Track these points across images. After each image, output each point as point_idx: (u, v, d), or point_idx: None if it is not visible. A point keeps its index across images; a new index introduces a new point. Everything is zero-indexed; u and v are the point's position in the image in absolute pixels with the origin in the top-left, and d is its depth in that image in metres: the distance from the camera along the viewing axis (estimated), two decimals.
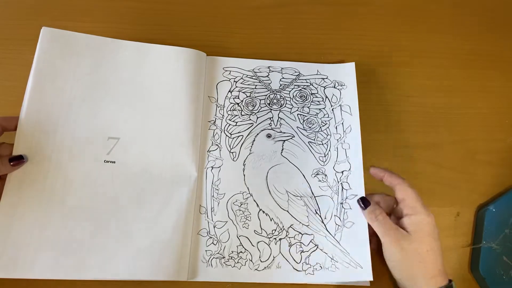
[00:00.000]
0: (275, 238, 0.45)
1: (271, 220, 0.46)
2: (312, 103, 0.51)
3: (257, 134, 0.49)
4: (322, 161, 0.48)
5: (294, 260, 0.44)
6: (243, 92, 0.51)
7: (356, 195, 0.46)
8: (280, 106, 0.51)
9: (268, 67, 0.53)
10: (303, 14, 0.58)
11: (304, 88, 0.52)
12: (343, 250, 0.45)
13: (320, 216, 0.46)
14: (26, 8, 0.55)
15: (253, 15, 0.57)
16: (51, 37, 0.45)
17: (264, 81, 0.52)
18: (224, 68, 0.52)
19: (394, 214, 0.44)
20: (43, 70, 0.44)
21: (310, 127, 0.50)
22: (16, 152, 0.41)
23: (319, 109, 0.51)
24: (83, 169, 0.43)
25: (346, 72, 0.53)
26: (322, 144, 0.49)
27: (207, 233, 0.45)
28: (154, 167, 0.45)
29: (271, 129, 0.50)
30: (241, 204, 0.46)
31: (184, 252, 0.42)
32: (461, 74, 0.56)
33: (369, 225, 0.43)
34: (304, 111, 0.51)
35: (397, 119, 0.53)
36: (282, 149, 0.49)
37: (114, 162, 0.44)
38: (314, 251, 0.45)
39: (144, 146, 0.45)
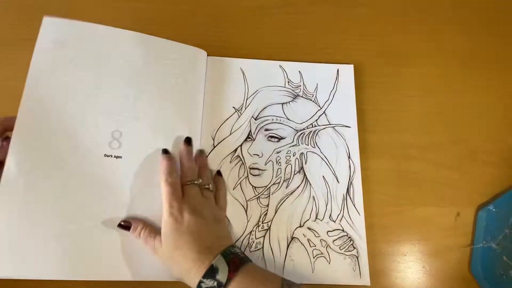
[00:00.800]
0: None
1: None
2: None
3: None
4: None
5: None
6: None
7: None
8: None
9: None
10: (303, 14, 0.58)
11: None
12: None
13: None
14: (26, 8, 0.55)
15: (253, 15, 0.57)
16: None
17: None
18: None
19: None
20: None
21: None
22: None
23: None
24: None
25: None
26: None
27: None
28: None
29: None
30: None
31: None
32: (461, 74, 0.56)
33: None
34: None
35: (397, 119, 0.53)
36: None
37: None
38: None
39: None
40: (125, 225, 0.41)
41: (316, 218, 0.46)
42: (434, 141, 0.52)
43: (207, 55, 0.51)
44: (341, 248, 0.45)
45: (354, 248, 0.45)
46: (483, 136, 0.53)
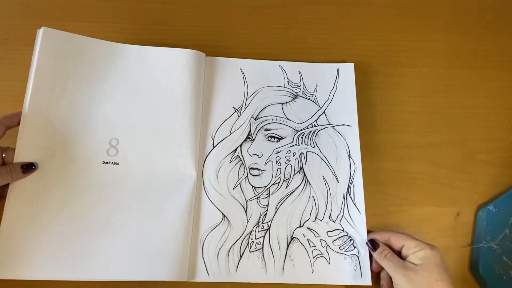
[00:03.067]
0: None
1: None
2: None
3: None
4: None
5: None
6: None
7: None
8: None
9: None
10: (303, 14, 0.58)
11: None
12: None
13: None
14: (26, 8, 0.55)
15: (253, 15, 0.57)
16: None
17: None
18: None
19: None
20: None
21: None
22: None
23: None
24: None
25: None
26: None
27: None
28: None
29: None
30: None
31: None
32: (461, 74, 0.56)
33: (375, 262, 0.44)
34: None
35: (397, 119, 0.53)
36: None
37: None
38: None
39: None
40: (373, 246, 0.44)
41: (316, 218, 0.46)
42: (434, 141, 0.52)
43: (207, 55, 0.51)
44: (341, 248, 0.45)
45: (355, 247, 0.45)
46: (483, 136, 0.53)
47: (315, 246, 0.45)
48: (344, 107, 0.51)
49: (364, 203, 0.47)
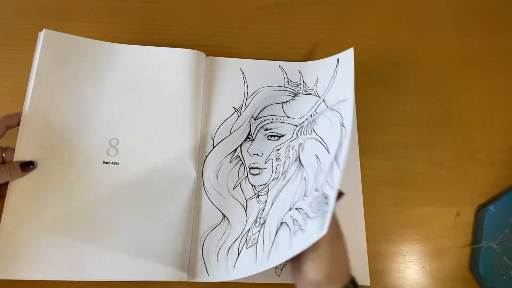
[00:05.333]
0: None
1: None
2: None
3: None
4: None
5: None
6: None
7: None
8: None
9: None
10: (303, 14, 0.58)
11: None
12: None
13: None
14: (26, 8, 0.55)
15: (253, 15, 0.57)
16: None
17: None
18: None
19: None
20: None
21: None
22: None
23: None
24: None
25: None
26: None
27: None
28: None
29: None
30: None
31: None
32: (461, 74, 0.56)
33: None
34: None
35: (397, 119, 0.53)
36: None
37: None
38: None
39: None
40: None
41: (304, 196, 0.42)
42: (434, 141, 0.52)
43: (207, 55, 0.51)
44: (313, 211, 0.38)
45: (327, 204, 0.37)
46: (483, 136, 0.53)
47: (298, 222, 0.40)
48: (342, 88, 0.46)
49: (364, 203, 0.47)
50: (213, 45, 0.54)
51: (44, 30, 0.45)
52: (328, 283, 0.36)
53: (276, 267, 0.44)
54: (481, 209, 0.49)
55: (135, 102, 0.47)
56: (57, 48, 0.45)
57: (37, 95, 0.44)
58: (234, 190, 0.47)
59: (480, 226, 0.48)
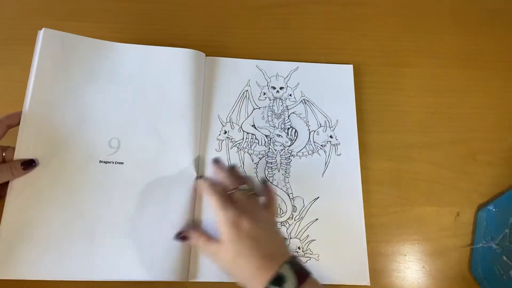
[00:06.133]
0: None
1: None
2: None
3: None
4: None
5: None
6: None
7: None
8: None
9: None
10: (303, 14, 0.58)
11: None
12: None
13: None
14: (26, 8, 0.55)
15: (253, 15, 0.57)
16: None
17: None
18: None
19: None
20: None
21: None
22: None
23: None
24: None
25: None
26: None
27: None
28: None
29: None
30: None
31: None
32: (461, 74, 0.56)
33: None
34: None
35: (397, 119, 0.53)
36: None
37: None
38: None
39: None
40: (184, 236, 0.41)
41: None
42: (434, 141, 0.52)
43: (207, 55, 0.51)
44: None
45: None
46: (483, 136, 0.53)
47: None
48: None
49: (364, 203, 0.47)
50: (213, 45, 0.54)
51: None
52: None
53: None
54: (481, 209, 0.49)
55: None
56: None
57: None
58: None
59: (480, 226, 0.48)
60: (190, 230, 0.42)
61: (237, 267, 0.37)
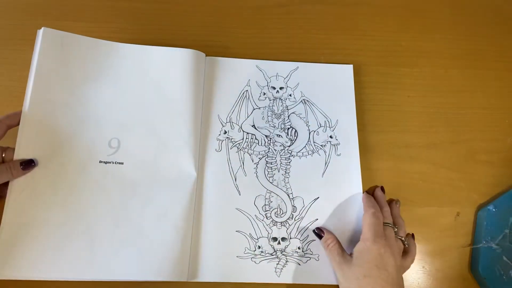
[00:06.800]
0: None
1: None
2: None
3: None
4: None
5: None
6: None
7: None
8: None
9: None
10: (303, 14, 0.58)
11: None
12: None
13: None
14: (26, 8, 0.55)
15: (253, 15, 0.57)
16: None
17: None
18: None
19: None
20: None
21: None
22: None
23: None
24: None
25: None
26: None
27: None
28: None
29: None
30: None
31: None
32: (461, 74, 0.56)
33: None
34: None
35: (397, 119, 0.53)
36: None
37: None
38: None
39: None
40: (318, 233, 0.45)
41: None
42: (434, 141, 0.52)
43: (207, 55, 0.51)
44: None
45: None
46: (483, 136, 0.53)
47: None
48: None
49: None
50: (213, 45, 0.54)
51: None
52: None
53: (276, 267, 0.44)
54: (481, 209, 0.49)
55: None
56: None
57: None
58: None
59: (480, 226, 0.48)
60: (329, 231, 0.44)
61: (357, 284, 0.39)
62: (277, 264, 0.44)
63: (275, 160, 0.48)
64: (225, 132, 0.49)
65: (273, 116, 0.51)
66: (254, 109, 0.51)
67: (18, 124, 0.42)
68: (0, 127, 0.41)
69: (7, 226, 0.40)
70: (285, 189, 0.47)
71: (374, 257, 0.39)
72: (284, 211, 0.47)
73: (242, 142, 0.49)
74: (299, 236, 0.46)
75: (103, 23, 0.55)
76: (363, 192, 0.48)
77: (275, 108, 0.51)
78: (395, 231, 0.43)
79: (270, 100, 0.51)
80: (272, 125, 0.50)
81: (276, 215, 0.46)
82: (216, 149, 0.48)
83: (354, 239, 0.45)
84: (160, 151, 0.45)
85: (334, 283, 0.44)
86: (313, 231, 0.45)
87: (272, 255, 0.45)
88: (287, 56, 0.54)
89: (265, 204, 0.47)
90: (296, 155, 0.49)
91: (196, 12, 0.57)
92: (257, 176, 0.48)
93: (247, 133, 0.49)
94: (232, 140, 0.49)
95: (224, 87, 0.51)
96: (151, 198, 0.44)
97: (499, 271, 0.46)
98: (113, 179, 0.44)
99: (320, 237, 0.44)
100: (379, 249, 0.39)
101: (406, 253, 0.43)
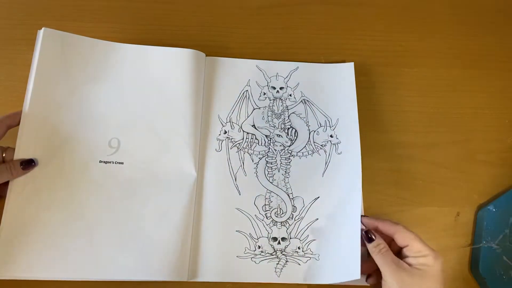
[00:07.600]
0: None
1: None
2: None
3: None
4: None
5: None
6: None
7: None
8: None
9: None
10: (303, 14, 0.58)
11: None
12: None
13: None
14: (26, 8, 0.55)
15: (253, 15, 0.57)
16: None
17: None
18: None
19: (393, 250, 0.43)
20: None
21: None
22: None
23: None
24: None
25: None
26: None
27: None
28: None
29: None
30: None
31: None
32: (461, 74, 0.56)
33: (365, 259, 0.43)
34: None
35: (397, 119, 0.53)
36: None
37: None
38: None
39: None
40: (370, 237, 0.42)
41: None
42: (434, 141, 0.52)
43: (207, 55, 0.51)
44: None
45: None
46: (483, 136, 0.53)
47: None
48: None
49: (364, 203, 0.47)
50: (213, 45, 0.54)
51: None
52: None
53: (276, 267, 0.44)
54: (481, 209, 0.49)
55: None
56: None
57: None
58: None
59: (480, 226, 0.48)
60: (378, 235, 0.42)
61: None
62: (277, 264, 0.44)
63: (275, 160, 0.48)
64: (225, 132, 0.49)
65: (273, 116, 0.51)
66: (254, 109, 0.51)
67: (18, 124, 0.42)
68: (0, 127, 0.41)
69: (7, 226, 0.40)
70: (285, 189, 0.47)
71: (438, 273, 0.38)
72: (284, 211, 0.47)
73: (242, 142, 0.49)
74: (299, 236, 0.46)
75: (103, 23, 0.55)
76: (362, 192, 0.47)
77: (275, 108, 0.51)
78: None
79: (270, 100, 0.51)
80: (272, 125, 0.50)
81: (276, 215, 0.46)
82: (216, 149, 0.48)
83: None
84: (160, 151, 0.45)
85: (334, 283, 0.44)
86: (363, 233, 0.42)
87: (272, 255, 0.45)
88: (287, 56, 0.54)
89: (265, 204, 0.47)
90: (296, 155, 0.49)
91: (196, 12, 0.57)
92: (257, 176, 0.48)
93: (247, 133, 0.49)
94: (232, 140, 0.49)
95: (224, 87, 0.51)
96: (151, 198, 0.44)
97: (499, 271, 0.46)
98: (113, 179, 0.44)
99: (370, 240, 0.42)
100: (441, 265, 0.39)
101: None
